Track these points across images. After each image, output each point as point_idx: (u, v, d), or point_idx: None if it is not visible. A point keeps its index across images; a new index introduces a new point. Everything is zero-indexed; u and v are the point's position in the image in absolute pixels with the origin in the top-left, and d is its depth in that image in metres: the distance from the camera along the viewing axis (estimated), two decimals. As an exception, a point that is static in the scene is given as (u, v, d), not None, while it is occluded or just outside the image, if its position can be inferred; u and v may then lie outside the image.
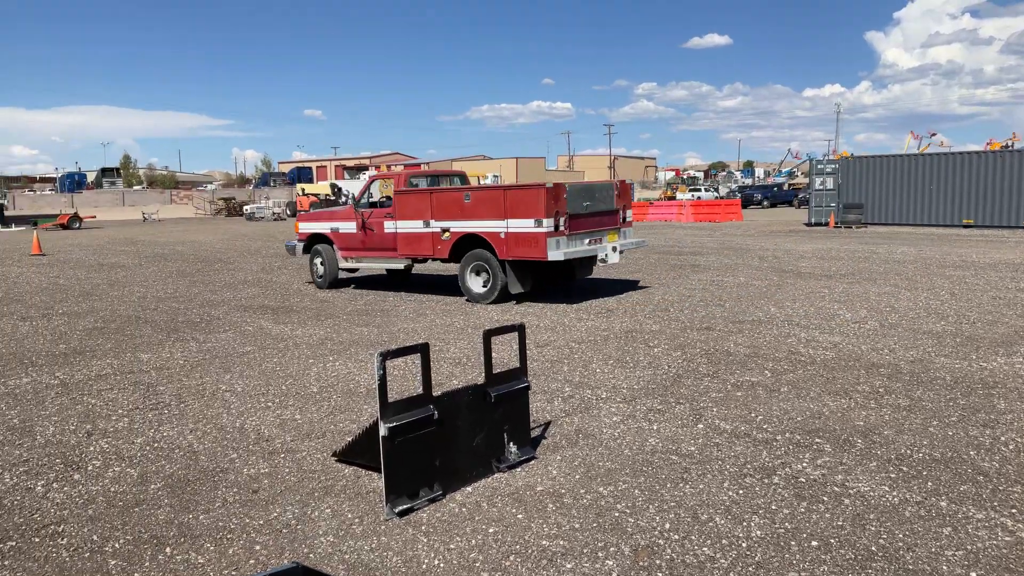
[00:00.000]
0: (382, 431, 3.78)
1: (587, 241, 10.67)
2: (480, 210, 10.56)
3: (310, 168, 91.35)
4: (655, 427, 5.19)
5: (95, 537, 3.69)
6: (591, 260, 11.22)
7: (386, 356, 3.74)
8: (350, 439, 4.60)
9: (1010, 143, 56.95)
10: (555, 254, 10.03)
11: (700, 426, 5.19)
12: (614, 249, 10.92)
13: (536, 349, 7.56)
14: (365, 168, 72.93)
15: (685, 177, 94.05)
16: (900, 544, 3.50)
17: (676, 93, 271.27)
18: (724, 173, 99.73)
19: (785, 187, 63.39)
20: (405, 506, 3.88)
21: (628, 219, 11.51)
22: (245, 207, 50.75)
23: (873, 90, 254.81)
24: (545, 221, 9.97)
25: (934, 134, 66.91)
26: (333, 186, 52.94)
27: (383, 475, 3.83)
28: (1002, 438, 4.86)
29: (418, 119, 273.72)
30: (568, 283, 11.87)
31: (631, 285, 12.41)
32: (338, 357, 7.38)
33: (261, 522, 3.83)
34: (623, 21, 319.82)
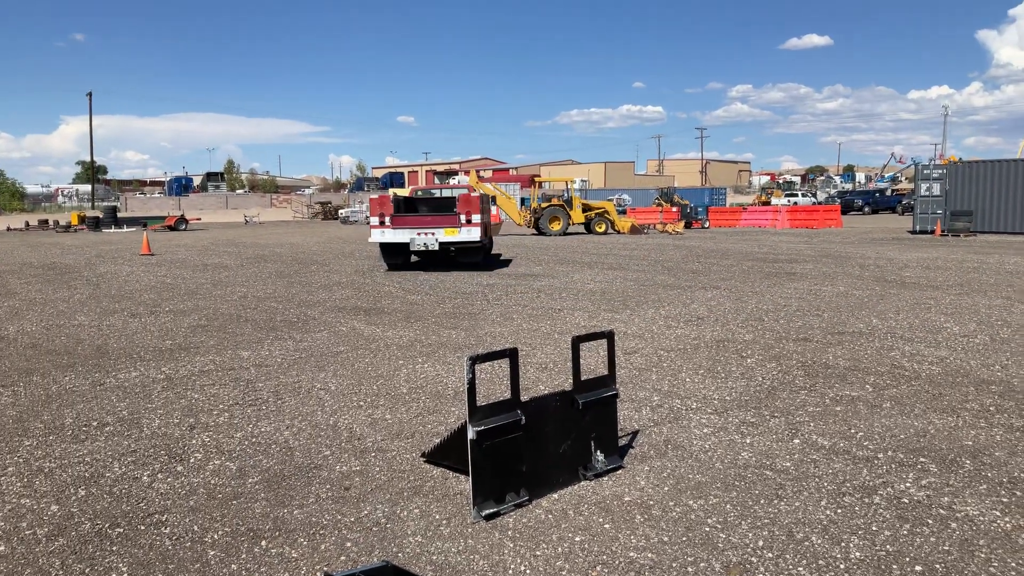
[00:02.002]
0: (470, 434, 3.81)
1: (416, 233, 15.63)
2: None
3: (402, 173, 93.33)
4: (748, 440, 5.04)
5: (196, 527, 3.85)
6: (466, 246, 15.97)
7: (476, 360, 3.77)
8: (438, 440, 4.65)
9: None
10: (375, 238, 15.91)
11: (796, 441, 5.01)
12: (437, 239, 15.55)
13: (624, 356, 7.47)
14: (455, 173, 74.01)
15: (780, 181, 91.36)
16: (1013, 573, 3.28)
17: (772, 95, 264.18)
18: (823, 177, 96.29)
19: (888, 193, 60.74)
20: (492, 510, 3.89)
21: (472, 221, 15.48)
22: (340, 211, 52.22)
23: (984, 91, 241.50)
24: (372, 219, 15.86)
25: (1053, 137, 62.73)
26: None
27: (470, 478, 3.85)
28: None
29: (507, 124, 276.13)
30: (466, 261, 16.48)
31: (720, 292, 12.13)
32: (427, 359, 7.49)
33: (352, 519, 3.91)
34: (717, 22, 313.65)
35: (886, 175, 79.41)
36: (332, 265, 17.78)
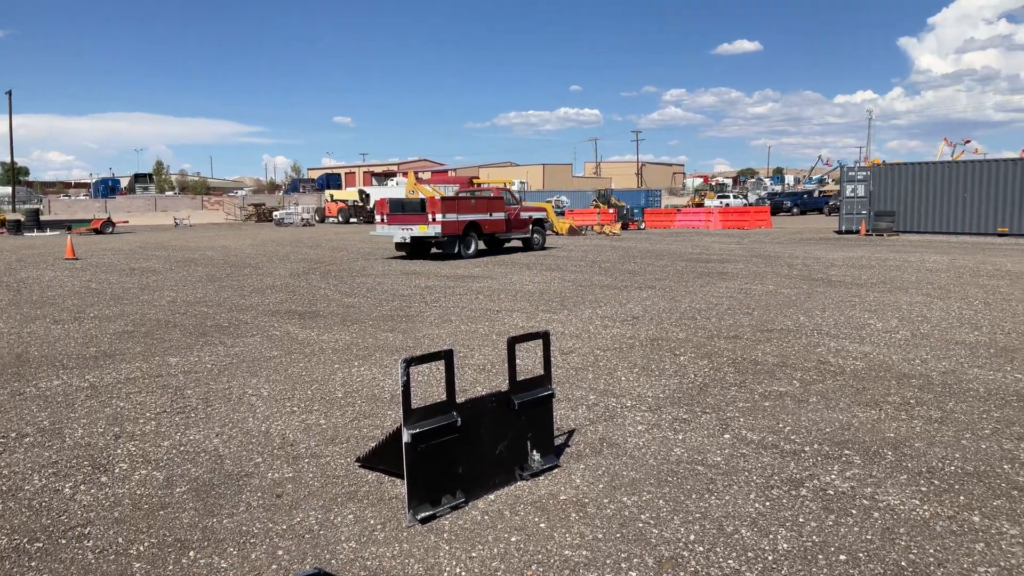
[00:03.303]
0: (405, 437, 3.78)
1: (400, 228, 19.51)
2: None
3: (339, 174, 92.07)
4: (681, 437, 5.13)
5: (120, 540, 3.72)
6: (433, 240, 19.39)
7: (410, 362, 3.74)
8: (374, 445, 4.60)
9: (1047, 150, 55.75)
10: (376, 232, 20.37)
11: (727, 436, 5.13)
12: (411, 234, 19.32)
13: (561, 356, 7.53)
14: (393, 174, 73.39)
15: (713, 184, 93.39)
16: (931, 560, 3.42)
17: (705, 99, 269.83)
18: (753, 180, 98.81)
19: (815, 194, 62.70)
20: (427, 513, 3.87)
21: (436, 220, 18.86)
22: (275, 213, 51.23)
23: (906, 96, 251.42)
24: (376, 216, 20.43)
25: (968, 141, 65.80)
26: (361, 192, 53.51)
27: (406, 481, 3.82)
28: (1038, 452, 4.74)
29: (446, 125, 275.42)
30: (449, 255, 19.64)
31: (655, 292, 12.33)
32: (363, 362, 7.41)
33: (284, 527, 3.84)
34: (651, 27, 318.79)
35: (814, 177, 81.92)
36: (266, 268, 17.43)
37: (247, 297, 12.33)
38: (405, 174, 56.45)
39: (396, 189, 54.19)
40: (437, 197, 20.62)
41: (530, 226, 22.84)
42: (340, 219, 50.10)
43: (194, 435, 5.27)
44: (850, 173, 32.72)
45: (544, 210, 25.30)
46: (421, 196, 24.92)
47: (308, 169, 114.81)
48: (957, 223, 29.48)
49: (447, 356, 3.99)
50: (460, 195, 22.06)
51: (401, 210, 19.88)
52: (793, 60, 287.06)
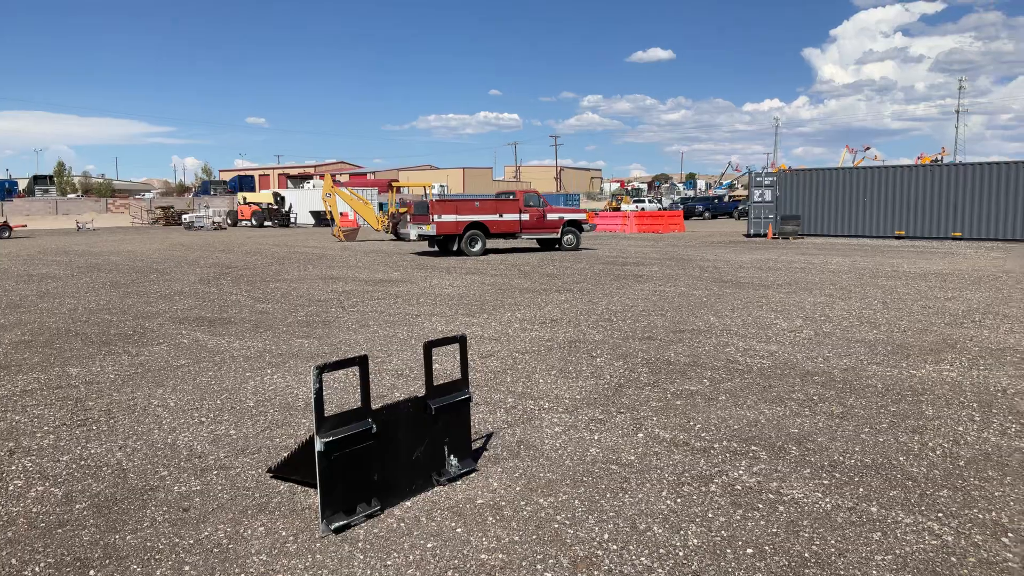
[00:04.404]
0: (318, 446, 3.71)
1: (416, 227, 22.26)
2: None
3: (252, 176, 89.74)
4: (596, 437, 5.20)
5: (14, 560, 3.52)
6: (432, 237, 22.17)
7: (323, 369, 3.67)
8: (286, 455, 4.50)
9: (939, 157, 59.24)
10: (409, 231, 23.16)
11: (640, 435, 5.23)
12: (420, 232, 22.14)
13: (480, 360, 7.53)
14: (309, 177, 71.97)
15: (629, 188, 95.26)
16: (832, 550, 3.57)
17: (621, 106, 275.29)
18: (667, 185, 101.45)
19: (726, 199, 64.75)
20: (342, 522, 3.80)
21: (434, 220, 21.38)
22: (184, 216, 49.51)
23: (811, 105, 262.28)
24: (408, 216, 24.48)
25: (868, 148, 69.36)
26: (276, 195, 52.25)
27: (319, 491, 3.75)
28: (930, 444, 5.01)
29: (365, 127, 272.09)
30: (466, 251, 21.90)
31: (573, 295, 12.49)
32: (276, 370, 7.23)
33: (191, 542, 3.71)
34: (568, 34, 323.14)
35: (724, 182, 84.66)
36: (174, 274, 16.83)
37: (153, 304, 11.87)
38: (322, 176, 55.51)
39: (312, 192, 53.17)
40: (434, 199, 23.53)
41: (561, 227, 23.76)
42: (254, 222, 48.83)
43: (95, 448, 5.04)
44: (758, 179, 33.92)
45: (583, 212, 25.90)
46: (338, 200, 27.92)
47: (220, 171, 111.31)
48: (858, 226, 30.94)
49: (361, 362, 3.93)
50: (462, 197, 25.05)
51: (422, 211, 22.60)
52: (704, 69, 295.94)
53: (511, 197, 23.22)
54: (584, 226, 24.49)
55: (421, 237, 22.77)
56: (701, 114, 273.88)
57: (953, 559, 3.47)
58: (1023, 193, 27.10)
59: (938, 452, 4.86)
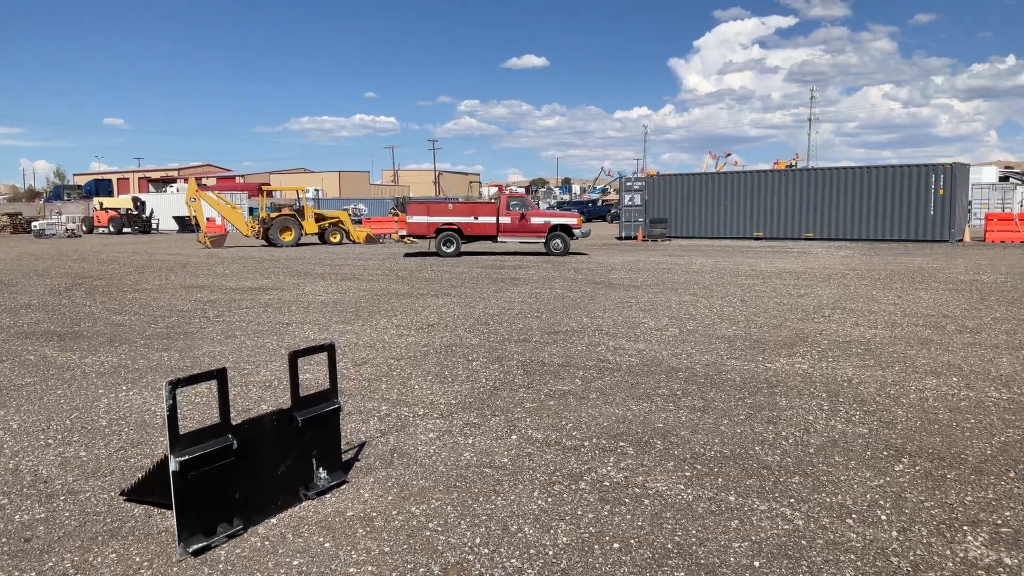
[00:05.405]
0: (172, 466, 3.51)
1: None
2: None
3: (110, 180, 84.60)
4: (471, 441, 5.21)
5: None
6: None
7: (176, 384, 3.48)
8: (141, 476, 4.24)
9: (794, 163, 63.27)
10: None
11: (514, 437, 5.27)
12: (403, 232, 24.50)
13: (353, 368, 7.39)
14: (173, 180, 68.53)
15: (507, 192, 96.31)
16: (693, 540, 3.72)
17: (498, 111, 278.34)
18: (544, 189, 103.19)
19: (599, 203, 66.67)
20: (201, 544, 3.62)
21: (406, 221, 22.92)
22: (34, 223, 46.05)
23: (676, 113, 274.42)
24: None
25: (729, 154, 73.29)
26: (136, 199, 49.45)
27: (174, 512, 3.55)
28: (783, 433, 5.32)
29: (233, 129, 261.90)
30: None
31: (451, 299, 12.48)
32: (132, 386, 6.82)
33: (34, 574, 3.43)
34: (444, 37, 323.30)
35: (597, 187, 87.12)
36: (20, 285, 15.60)
37: (-5, 318, 10.94)
38: (186, 180, 52.96)
39: (176, 196, 50.67)
40: (410, 201, 25.86)
41: (547, 232, 22.74)
42: (112, 229, 46.07)
43: (-80, 480, 4.58)
44: (628, 183, 35.10)
45: (573, 216, 24.18)
46: (203, 204, 27.95)
47: (75, 175, 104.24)
48: (721, 228, 32.55)
49: (220, 375, 3.76)
50: (435, 200, 25.49)
51: (424, 211, 23.49)
52: (577, 77, 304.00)
53: (476, 200, 24.14)
54: (575, 231, 23.11)
55: (402, 238, 25.06)
56: (575, 120, 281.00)
57: (803, 542, 3.69)
58: (868, 196, 29.34)
59: (790, 441, 5.16)
